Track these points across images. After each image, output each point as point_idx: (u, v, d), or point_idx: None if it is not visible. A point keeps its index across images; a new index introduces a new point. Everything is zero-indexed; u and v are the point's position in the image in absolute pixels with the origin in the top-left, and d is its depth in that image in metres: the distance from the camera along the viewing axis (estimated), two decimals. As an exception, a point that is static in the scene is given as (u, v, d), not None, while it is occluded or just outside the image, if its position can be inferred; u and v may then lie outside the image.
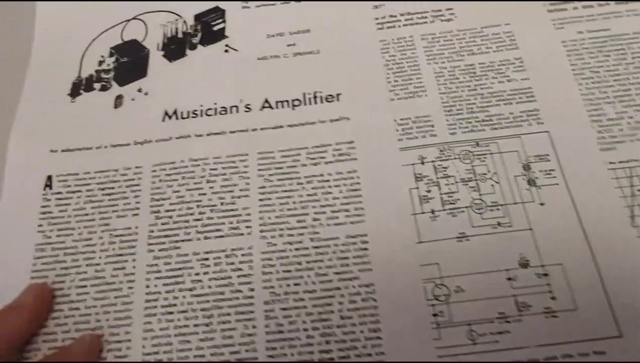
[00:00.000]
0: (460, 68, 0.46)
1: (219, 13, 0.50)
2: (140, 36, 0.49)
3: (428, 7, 0.49)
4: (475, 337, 0.35)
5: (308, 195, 0.41)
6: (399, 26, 0.49)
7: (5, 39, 0.49)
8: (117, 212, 0.41)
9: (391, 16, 0.49)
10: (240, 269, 0.38)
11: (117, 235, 0.40)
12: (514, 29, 0.47)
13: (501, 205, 0.40)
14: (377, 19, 0.49)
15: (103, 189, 0.42)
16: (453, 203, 0.40)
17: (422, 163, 0.42)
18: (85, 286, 0.38)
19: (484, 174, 0.41)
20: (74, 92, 0.46)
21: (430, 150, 0.42)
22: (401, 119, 0.43)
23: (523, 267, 0.37)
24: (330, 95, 0.46)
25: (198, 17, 0.50)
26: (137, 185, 0.42)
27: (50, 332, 0.37)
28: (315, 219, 0.40)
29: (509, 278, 0.37)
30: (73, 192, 0.42)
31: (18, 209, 0.41)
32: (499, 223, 0.39)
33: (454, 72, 0.45)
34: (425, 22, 0.49)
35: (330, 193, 0.41)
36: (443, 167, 0.41)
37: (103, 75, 0.47)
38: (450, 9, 0.49)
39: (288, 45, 0.48)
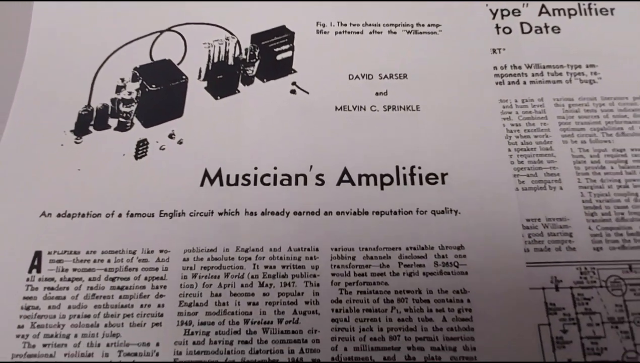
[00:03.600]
0: (607, 153, 0.36)
1: (285, 36, 0.37)
2: (177, 56, 0.37)
3: (563, 59, 0.37)
4: None
5: (399, 320, 0.31)
6: (524, 82, 0.37)
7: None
8: (130, 317, 0.30)
9: (514, 67, 0.37)
10: None
11: (128, 354, 0.29)
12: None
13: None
14: (495, 68, 0.37)
15: (113, 280, 0.31)
16: (598, 354, 0.30)
17: (557, 288, 0.32)
18: None
19: (641, 314, 0.31)
20: (80, 128, 0.35)
21: (568, 271, 0.33)
22: (527, 220, 0.33)
23: None
24: (433, 175, 0.34)
25: (256, 39, 0.37)
26: (161, 278, 0.31)
27: None
28: (409, 358, 0.29)
29: None
30: (69, 280, 0.31)
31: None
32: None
33: (599, 158, 0.35)
34: (560, 82, 0.37)
35: (429, 320, 0.31)
36: (585, 298, 0.32)
37: (122, 108, 0.35)
38: (593, 66, 0.37)
39: (377, 94, 0.36)
